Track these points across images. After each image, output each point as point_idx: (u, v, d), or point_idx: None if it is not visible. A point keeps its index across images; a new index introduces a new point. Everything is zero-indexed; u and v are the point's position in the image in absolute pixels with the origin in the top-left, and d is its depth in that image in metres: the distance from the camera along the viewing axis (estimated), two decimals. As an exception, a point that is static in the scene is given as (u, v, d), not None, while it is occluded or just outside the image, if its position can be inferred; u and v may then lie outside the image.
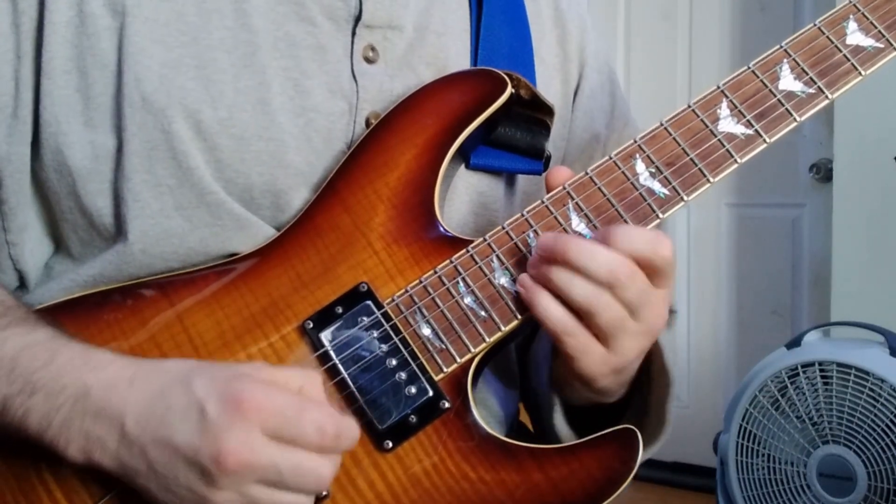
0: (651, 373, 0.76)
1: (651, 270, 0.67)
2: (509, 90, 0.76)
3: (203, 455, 0.58)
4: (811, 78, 0.74)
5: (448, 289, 0.70)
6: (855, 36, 0.75)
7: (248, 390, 0.59)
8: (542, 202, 0.72)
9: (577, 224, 0.71)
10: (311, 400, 0.62)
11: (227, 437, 0.58)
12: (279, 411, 0.59)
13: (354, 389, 0.68)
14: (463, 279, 0.70)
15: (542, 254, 0.67)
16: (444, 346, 0.69)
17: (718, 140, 0.73)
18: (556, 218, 0.71)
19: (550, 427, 0.77)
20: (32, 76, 0.71)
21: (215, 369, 0.62)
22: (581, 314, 0.66)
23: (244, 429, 0.58)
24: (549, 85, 0.86)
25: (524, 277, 0.68)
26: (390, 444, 0.67)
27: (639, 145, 0.73)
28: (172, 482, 0.59)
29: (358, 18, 0.77)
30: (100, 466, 0.60)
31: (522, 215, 0.72)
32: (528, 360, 0.87)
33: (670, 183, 0.72)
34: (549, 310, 0.67)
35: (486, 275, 0.70)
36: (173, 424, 0.59)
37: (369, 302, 0.70)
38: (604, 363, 0.68)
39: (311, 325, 0.69)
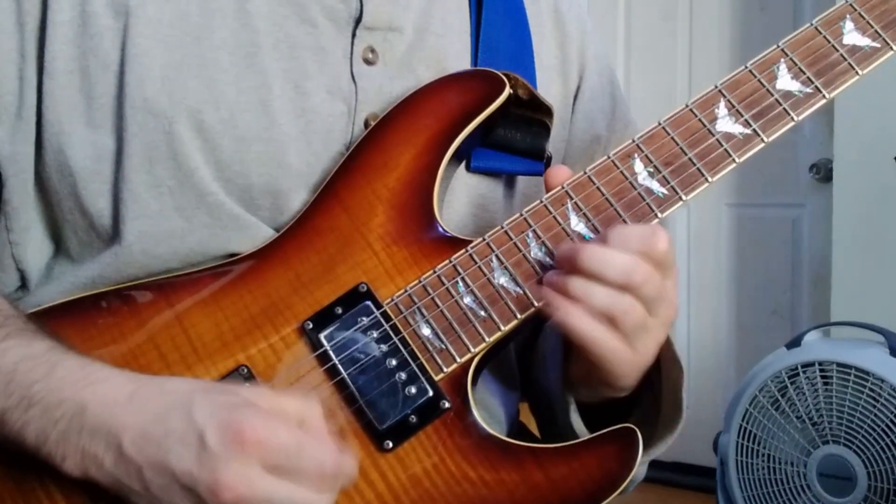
0: (660, 363, 0.76)
1: (653, 265, 0.67)
2: (507, 91, 0.77)
3: (200, 484, 0.57)
4: (808, 77, 0.74)
5: (447, 289, 0.70)
6: (852, 35, 0.75)
7: (250, 421, 0.58)
8: (541, 202, 0.72)
9: (576, 224, 0.71)
10: (312, 434, 0.61)
11: (226, 469, 0.57)
12: (280, 446, 0.58)
13: (354, 390, 0.68)
14: (462, 279, 0.70)
15: (562, 264, 0.68)
16: (443, 346, 0.69)
17: (716, 139, 0.73)
18: (554, 217, 0.71)
19: (567, 425, 0.77)
20: (36, 76, 0.71)
21: (216, 394, 0.61)
22: (607, 320, 0.67)
23: (243, 462, 0.57)
24: (549, 87, 0.86)
25: (556, 298, 0.67)
26: (390, 445, 0.67)
27: (637, 145, 0.73)
28: None
29: (358, 20, 0.77)
30: (95, 482, 0.60)
31: (521, 215, 0.72)
32: (532, 358, 0.87)
33: (669, 182, 0.72)
34: (595, 331, 0.67)
35: (485, 274, 0.70)
36: (171, 449, 0.58)
37: (369, 302, 0.70)
38: (629, 363, 0.69)
39: (311, 326, 0.69)
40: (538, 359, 0.85)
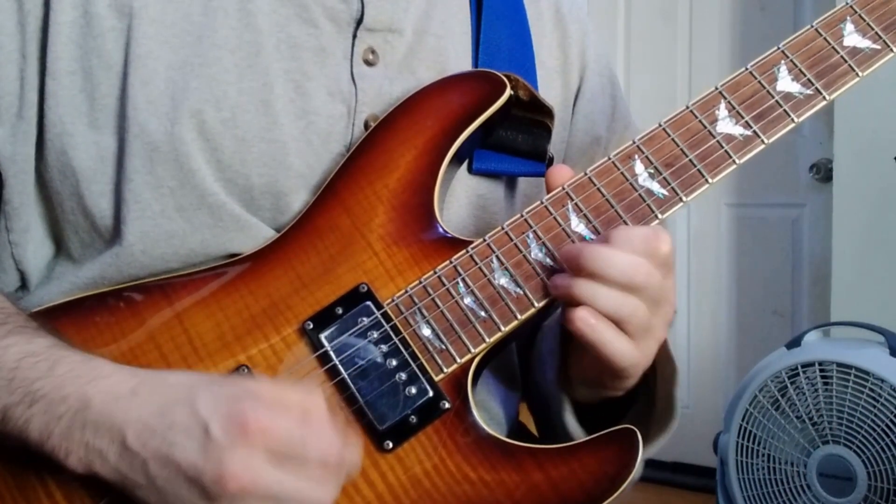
0: (655, 363, 0.76)
1: (655, 266, 0.67)
2: (508, 91, 0.77)
3: (205, 476, 0.57)
4: (809, 79, 0.74)
5: (448, 289, 0.70)
6: (852, 37, 0.75)
7: (253, 412, 0.58)
8: (542, 203, 0.72)
9: (577, 225, 0.72)
10: (316, 423, 0.61)
11: (231, 460, 0.57)
12: (284, 436, 0.59)
13: (354, 390, 0.68)
14: (463, 280, 0.70)
15: (566, 264, 0.68)
16: (444, 347, 0.69)
17: (717, 141, 0.73)
18: (555, 219, 0.72)
19: (562, 425, 0.77)
20: (37, 77, 0.71)
21: (219, 386, 0.61)
22: (614, 322, 0.67)
23: (247, 452, 0.57)
24: (549, 88, 0.86)
25: (584, 312, 0.67)
26: (391, 445, 0.67)
27: (637, 146, 0.73)
28: (172, 498, 0.59)
29: (359, 21, 0.77)
30: (99, 477, 0.60)
31: (522, 216, 0.72)
32: (530, 359, 0.87)
33: (669, 184, 0.72)
34: (605, 333, 0.67)
35: (485, 275, 0.71)
36: (176, 442, 0.58)
37: (369, 303, 0.70)
38: (633, 364, 0.69)
39: (311, 326, 0.69)
40: (536, 359, 0.85)
